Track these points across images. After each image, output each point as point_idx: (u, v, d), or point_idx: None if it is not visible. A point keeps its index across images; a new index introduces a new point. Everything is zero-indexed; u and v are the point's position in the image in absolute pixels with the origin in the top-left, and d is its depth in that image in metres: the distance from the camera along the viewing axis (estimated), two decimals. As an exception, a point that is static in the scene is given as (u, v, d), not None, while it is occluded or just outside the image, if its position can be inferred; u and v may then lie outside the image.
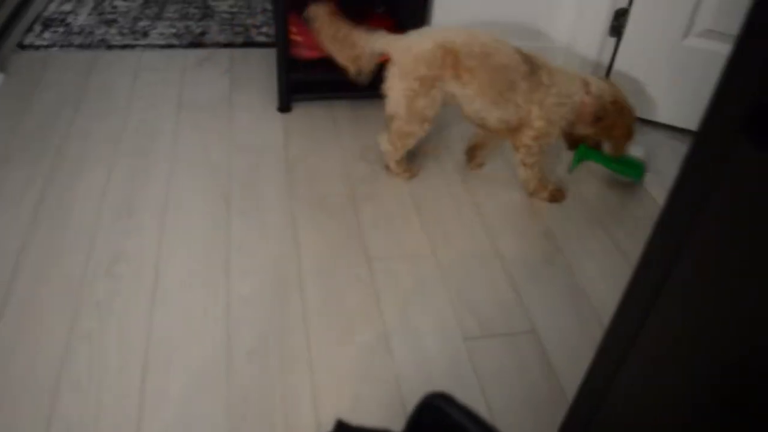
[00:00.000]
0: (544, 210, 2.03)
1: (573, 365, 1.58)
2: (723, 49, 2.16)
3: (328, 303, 1.67)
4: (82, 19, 2.79)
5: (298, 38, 2.26)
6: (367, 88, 2.14)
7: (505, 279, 1.78)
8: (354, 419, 1.40)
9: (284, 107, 2.32)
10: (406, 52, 1.89)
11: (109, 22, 2.78)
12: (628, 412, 0.97)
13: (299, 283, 1.71)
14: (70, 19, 2.78)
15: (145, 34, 2.72)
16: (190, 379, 1.48)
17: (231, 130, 2.20)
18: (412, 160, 2.14)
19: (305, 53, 2.28)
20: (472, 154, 2.14)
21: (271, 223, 1.88)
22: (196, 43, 2.67)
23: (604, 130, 1.97)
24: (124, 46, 2.63)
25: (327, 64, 2.10)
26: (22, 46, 2.48)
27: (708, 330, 0.82)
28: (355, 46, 1.94)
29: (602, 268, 1.85)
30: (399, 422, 1.41)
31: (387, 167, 2.10)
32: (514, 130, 1.97)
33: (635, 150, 2.11)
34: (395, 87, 1.94)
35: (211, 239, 1.79)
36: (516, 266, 1.82)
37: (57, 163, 2.00)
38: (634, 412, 0.96)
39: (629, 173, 2.08)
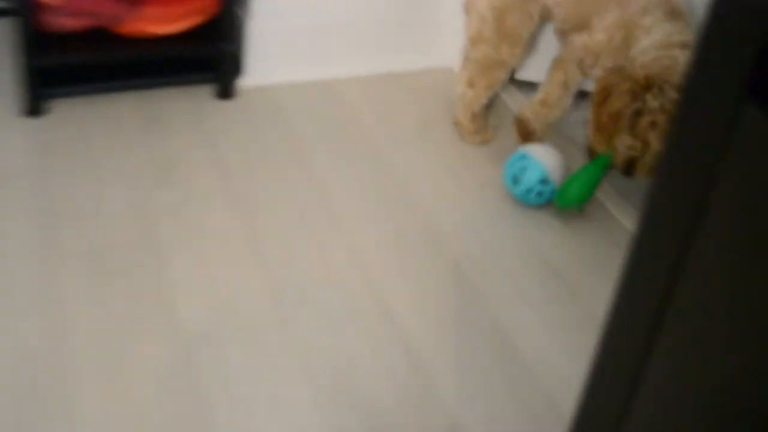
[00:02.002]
0: (452, 238, 1.80)
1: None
2: None
3: (109, 408, 1.41)
4: None
5: None
6: (164, 71, 2.00)
7: (402, 351, 1.52)
8: None
9: (33, 109, 2.01)
10: None
11: None
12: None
13: (67, 379, 1.44)
14: None
15: None
16: None
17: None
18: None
19: (66, 22, 1.93)
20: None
21: (18, 293, 1.57)
22: None
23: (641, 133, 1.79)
24: None
25: (102, 38, 1.90)
26: None
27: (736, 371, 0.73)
28: None
29: (547, 325, 1.63)
30: None
31: (457, 123, 2.05)
32: None
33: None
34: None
35: None
36: (418, 330, 1.57)
37: None
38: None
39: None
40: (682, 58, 1.73)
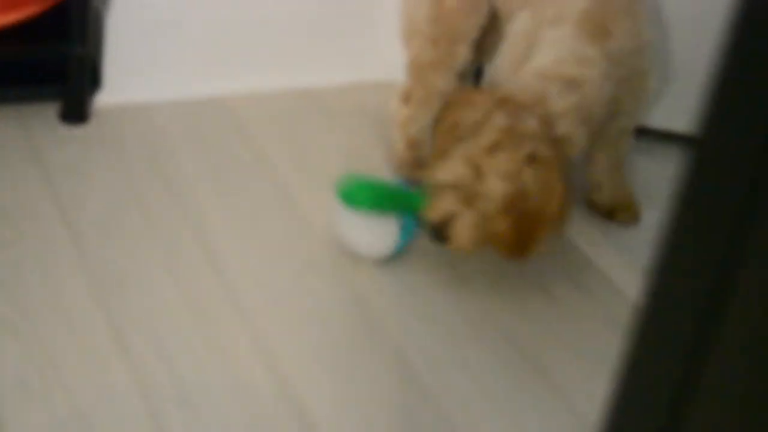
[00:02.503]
0: (389, 316, 1.57)
1: None
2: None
3: None
4: None
5: None
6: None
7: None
8: None
9: None
10: None
11: None
12: None
13: None
14: None
15: None
16: None
17: None
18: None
19: None
20: None
21: None
22: None
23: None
24: None
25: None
26: None
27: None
28: None
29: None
30: None
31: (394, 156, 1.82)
32: None
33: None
34: None
35: None
36: None
37: None
38: None
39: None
40: (558, 98, 1.52)
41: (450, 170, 1.51)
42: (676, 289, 0.74)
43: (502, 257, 1.58)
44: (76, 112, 1.81)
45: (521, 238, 1.51)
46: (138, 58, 1.90)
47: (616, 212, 1.86)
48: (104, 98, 1.88)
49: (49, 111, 1.89)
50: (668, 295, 0.74)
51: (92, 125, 1.87)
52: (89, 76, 1.84)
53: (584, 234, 1.80)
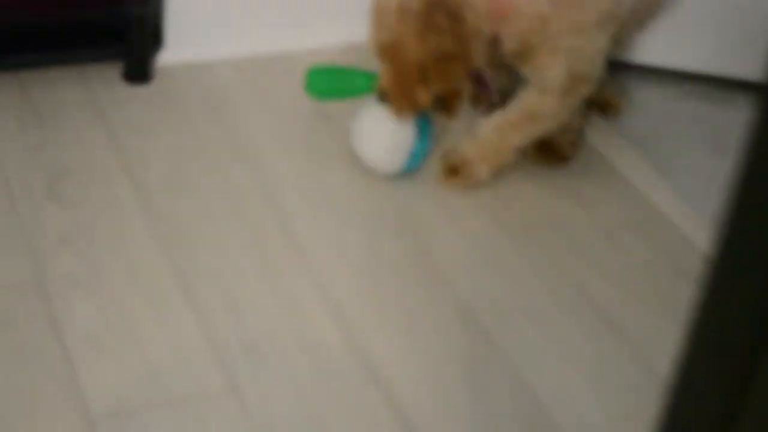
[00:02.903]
0: (453, 267, 1.54)
1: None
2: None
3: None
4: None
5: None
6: (48, 45, 1.74)
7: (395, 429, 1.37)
8: None
9: None
10: None
11: None
12: None
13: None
14: None
15: None
16: None
17: None
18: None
19: None
20: None
21: None
22: None
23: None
24: None
25: None
26: None
27: None
28: None
29: (593, 388, 1.41)
30: None
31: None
32: None
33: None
34: None
35: None
36: (415, 398, 1.36)
37: None
38: None
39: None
40: None
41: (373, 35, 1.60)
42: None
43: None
44: (138, 71, 1.82)
45: (394, 84, 1.55)
46: (199, 16, 1.89)
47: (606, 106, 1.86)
48: (166, 57, 1.88)
49: (112, 71, 1.90)
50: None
51: (155, 84, 1.88)
52: (151, 36, 1.84)
53: (645, 177, 1.77)
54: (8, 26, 1.85)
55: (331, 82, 1.80)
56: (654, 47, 1.98)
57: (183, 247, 1.56)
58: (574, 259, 1.62)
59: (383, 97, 1.60)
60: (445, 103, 1.65)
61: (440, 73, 1.58)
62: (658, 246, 1.64)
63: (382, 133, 1.69)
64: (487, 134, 1.64)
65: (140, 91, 1.86)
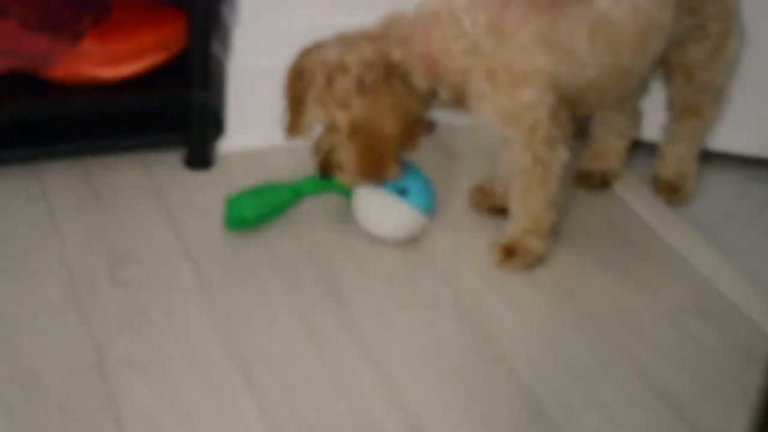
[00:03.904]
0: (516, 352, 1.51)
1: None
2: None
3: None
4: None
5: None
6: (112, 131, 1.75)
7: None
8: None
9: None
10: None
11: None
12: None
13: None
14: None
15: None
16: None
17: None
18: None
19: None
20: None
21: None
22: None
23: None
24: None
25: (26, 85, 1.73)
26: None
27: None
28: None
29: None
30: None
31: None
32: None
33: None
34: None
35: None
36: None
37: None
38: None
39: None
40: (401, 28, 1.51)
41: (308, 115, 1.56)
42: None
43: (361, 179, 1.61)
44: (200, 158, 1.83)
45: (366, 160, 1.54)
46: (259, 104, 1.87)
47: (674, 191, 1.82)
48: (226, 144, 1.89)
49: (174, 157, 1.90)
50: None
51: (215, 169, 1.88)
52: (211, 123, 1.85)
53: (710, 262, 1.72)
54: (73, 112, 1.86)
55: (258, 206, 1.71)
56: (719, 132, 1.95)
57: (239, 330, 1.53)
58: (638, 345, 1.57)
59: (327, 171, 1.58)
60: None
61: (410, 137, 1.58)
62: (724, 332, 1.59)
63: (380, 215, 1.66)
64: (518, 210, 1.62)
65: (201, 176, 1.86)
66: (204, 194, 1.80)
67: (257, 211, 1.68)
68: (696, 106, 1.72)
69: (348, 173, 1.59)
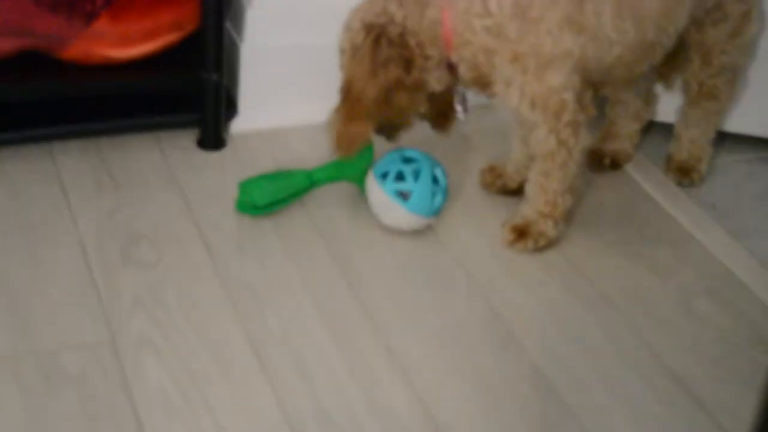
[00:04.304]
0: (527, 332, 1.50)
1: None
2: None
3: None
4: None
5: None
6: (125, 111, 1.75)
7: None
8: None
9: None
10: None
11: None
12: None
13: None
14: None
15: None
16: None
17: None
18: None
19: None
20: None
21: None
22: None
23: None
24: None
25: (39, 65, 1.73)
26: None
27: None
28: None
29: None
30: None
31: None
32: None
33: None
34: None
35: None
36: None
37: None
38: None
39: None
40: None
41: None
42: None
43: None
44: (212, 139, 1.83)
45: (346, 126, 1.54)
46: (271, 83, 1.87)
47: (686, 173, 1.82)
48: (239, 123, 1.88)
49: (187, 137, 1.90)
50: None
51: (228, 150, 1.87)
52: (224, 103, 1.84)
53: (721, 243, 1.72)
54: (86, 93, 1.85)
55: (270, 193, 1.69)
56: (731, 114, 1.93)
57: (254, 312, 1.53)
58: (650, 325, 1.57)
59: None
60: (437, 122, 1.65)
61: (397, 102, 1.55)
62: (735, 313, 1.59)
63: (380, 213, 1.65)
64: (535, 192, 1.62)
65: (214, 157, 1.85)
66: (217, 174, 1.80)
67: (269, 198, 1.67)
68: (712, 89, 1.71)
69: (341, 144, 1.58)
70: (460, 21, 1.50)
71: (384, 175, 1.61)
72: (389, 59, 1.51)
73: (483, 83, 1.57)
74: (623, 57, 1.55)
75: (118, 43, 1.77)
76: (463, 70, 1.54)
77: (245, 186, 1.67)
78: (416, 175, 1.60)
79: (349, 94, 1.54)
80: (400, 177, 1.60)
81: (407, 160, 1.62)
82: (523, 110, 1.53)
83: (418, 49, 1.52)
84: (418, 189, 1.60)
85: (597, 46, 1.51)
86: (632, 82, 1.72)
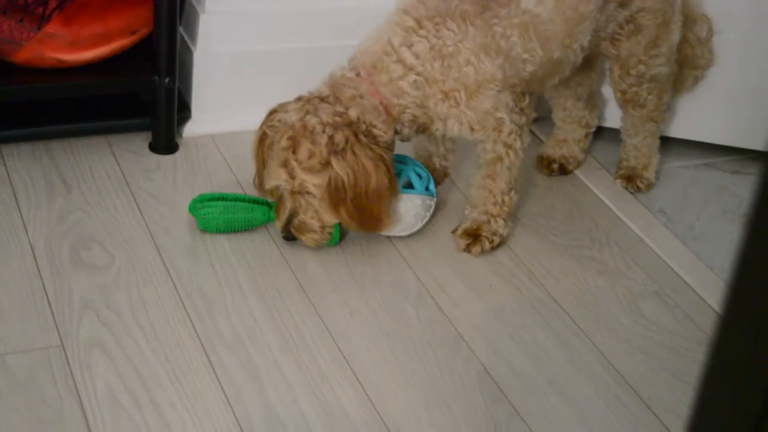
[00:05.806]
0: (474, 335, 1.49)
1: None
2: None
3: None
4: None
5: None
6: (77, 115, 1.74)
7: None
8: None
9: None
10: None
11: None
12: None
13: None
14: None
15: None
16: None
17: None
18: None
19: None
20: None
21: None
22: None
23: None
24: None
25: None
26: None
27: None
28: None
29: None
30: None
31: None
32: None
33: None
34: None
35: None
36: None
37: None
38: None
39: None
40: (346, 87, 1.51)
41: (271, 178, 1.54)
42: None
43: (361, 232, 1.61)
44: (165, 143, 1.81)
45: (364, 215, 1.53)
46: (225, 88, 1.86)
47: (631, 180, 1.83)
48: (192, 129, 1.86)
49: (139, 140, 1.87)
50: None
51: (180, 153, 1.85)
52: (176, 107, 1.82)
53: (668, 246, 1.72)
54: (38, 97, 1.81)
55: (224, 224, 1.64)
56: (678, 121, 1.94)
57: (205, 315, 1.51)
58: (598, 328, 1.57)
59: (291, 235, 1.55)
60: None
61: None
62: (682, 315, 1.59)
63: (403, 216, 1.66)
64: (482, 196, 1.63)
65: (166, 160, 1.83)
66: (169, 178, 1.77)
67: (224, 228, 1.63)
68: (635, 96, 1.73)
69: (317, 234, 1.55)
70: (391, 92, 1.52)
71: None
72: (377, 147, 1.51)
73: (422, 131, 1.60)
74: (536, 73, 1.58)
75: (71, 46, 1.75)
76: (405, 130, 1.57)
77: (198, 212, 1.62)
78: (407, 163, 1.64)
79: (347, 190, 1.50)
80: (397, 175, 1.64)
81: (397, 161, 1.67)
82: (465, 135, 1.57)
83: (381, 134, 1.54)
84: (416, 173, 1.64)
85: (512, 65, 1.54)
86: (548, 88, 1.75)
